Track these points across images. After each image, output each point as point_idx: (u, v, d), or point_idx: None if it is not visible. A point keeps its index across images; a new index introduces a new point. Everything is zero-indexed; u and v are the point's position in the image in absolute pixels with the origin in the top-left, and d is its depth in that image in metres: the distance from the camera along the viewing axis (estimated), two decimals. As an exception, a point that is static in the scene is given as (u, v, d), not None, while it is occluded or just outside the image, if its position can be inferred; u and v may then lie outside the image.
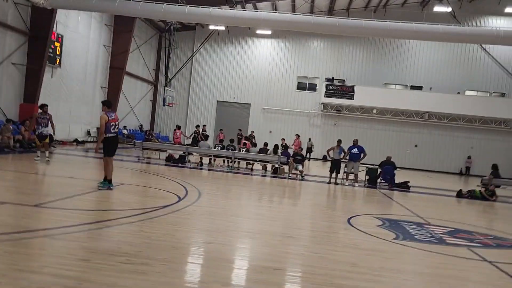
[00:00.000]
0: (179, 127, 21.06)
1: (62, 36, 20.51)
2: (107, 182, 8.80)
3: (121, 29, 25.47)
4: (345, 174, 15.53)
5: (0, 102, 17.14)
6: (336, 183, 14.97)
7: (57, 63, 20.39)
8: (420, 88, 31.08)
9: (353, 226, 7.51)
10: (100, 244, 5.02)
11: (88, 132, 24.25)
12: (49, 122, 12.84)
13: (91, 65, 23.91)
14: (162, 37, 32.04)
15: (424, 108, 30.17)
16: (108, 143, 8.79)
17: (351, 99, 30.41)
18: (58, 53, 20.30)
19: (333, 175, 15.06)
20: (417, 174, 24.84)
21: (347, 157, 15.27)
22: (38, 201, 7.04)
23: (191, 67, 32.82)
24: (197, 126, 21.52)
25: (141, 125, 30.52)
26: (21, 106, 18.30)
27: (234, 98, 32.90)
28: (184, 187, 10.26)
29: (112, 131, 8.78)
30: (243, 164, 17.62)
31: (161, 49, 32.45)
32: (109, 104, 9.20)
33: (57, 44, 20.12)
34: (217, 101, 33.19)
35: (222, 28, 29.54)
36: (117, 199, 8.16)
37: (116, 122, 8.94)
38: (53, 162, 14.16)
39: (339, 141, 15.58)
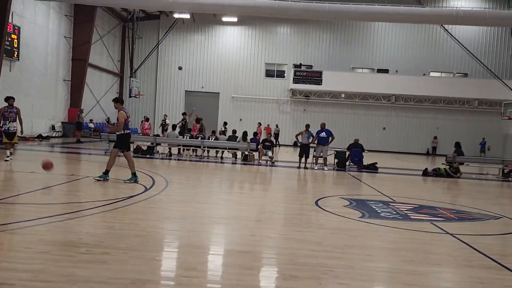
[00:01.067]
0: (147, 119, 20.69)
1: (19, 28, 19.65)
2: (133, 176, 9.04)
3: (81, 19, 24.61)
4: (314, 158, 15.68)
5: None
6: (305, 168, 15.11)
7: (15, 56, 19.56)
8: (386, 71, 31.63)
9: (320, 208, 7.59)
10: (60, 236, 4.87)
11: (53, 127, 23.49)
12: (17, 116, 11.95)
13: (52, 57, 23.07)
14: (125, 27, 31.20)
15: (391, 91, 30.79)
16: (126, 138, 9.22)
17: (319, 84, 30.66)
18: (15, 45, 19.46)
19: (303, 159, 15.19)
20: (386, 156, 25.41)
21: (316, 142, 15.42)
22: (-5, 198, 6.76)
23: (157, 57, 32.21)
24: (184, 113, 21.34)
25: (108, 118, 29.78)
26: (-22, 102, 17.48)
27: (202, 87, 32.58)
28: (151, 177, 10.10)
29: (128, 127, 9.30)
30: (212, 152, 17.51)
31: (125, 40, 31.63)
32: (122, 101, 9.57)
33: (14, 36, 19.27)
34: (186, 91, 32.77)
35: (187, 16, 29.04)
36: (81, 192, 7.96)
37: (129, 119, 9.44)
38: (15, 158, 13.66)
39: (307, 126, 15.69)
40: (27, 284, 3.43)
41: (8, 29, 18.30)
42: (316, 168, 15.31)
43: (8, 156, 11.78)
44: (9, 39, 18.82)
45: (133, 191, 8.04)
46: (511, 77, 28.98)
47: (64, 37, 24.05)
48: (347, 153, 16.28)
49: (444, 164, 16.12)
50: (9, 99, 12.01)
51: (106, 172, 9.00)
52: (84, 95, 25.60)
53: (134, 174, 9.07)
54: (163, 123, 20.35)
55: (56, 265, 3.89)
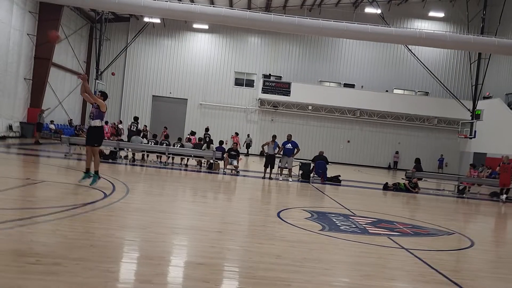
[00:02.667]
0: (106, 123, 20.20)
1: (-22, 22, 18.80)
2: (95, 174, 8.84)
3: (46, 17, 23.81)
4: (279, 169, 15.79)
5: None
6: (270, 178, 15.18)
7: (-28, 51, 18.67)
8: (352, 86, 32.47)
9: (282, 219, 7.62)
10: (9, 245, 4.63)
11: (10, 127, 22.50)
12: None
13: (13, 54, 22.17)
14: (93, 27, 30.50)
15: (356, 105, 31.58)
16: (101, 132, 8.90)
17: (287, 95, 31.05)
18: (-27, 40, 18.58)
19: (268, 170, 15.26)
20: (349, 169, 25.94)
21: (281, 152, 15.53)
22: None
23: (125, 60, 31.64)
24: (135, 117, 20.90)
25: (71, 120, 28.90)
26: None
27: (170, 93, 32.24)
28: (111, 183, 9.83)
29: (104, 121, 8.98)
30: (177, 160, 17.29)
31: (92, 40, 30.88)
32: (106, 96, 9.32)
33: (-28, 30, 18.41)
34: (153, 95, 32.33)
35: (158, 20, 28.77)
36: (36, 198, 7.63)
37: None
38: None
39: (274, 136, 15.81)
40: (-32, 297, 3.24)
41: (-34, 23, 17.48)
42: (280, 179, 15.41)
43: None
44: (-33, 33, 17.97)
45: (91, 197, 7.79)
46: (468, 98, 30.43)
47: (28, 34, 23.20)
48: (312, 165, 16.50)
49: (403, 179, 16.62)
50: None
51: (96, 173, 8.83)
52: (46, 95, 24.71)
53: (96, 173, 8.87)
54: (116, 128, 19.92)
55: (2, 276, 3.69)
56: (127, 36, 31.56)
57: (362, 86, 32.51)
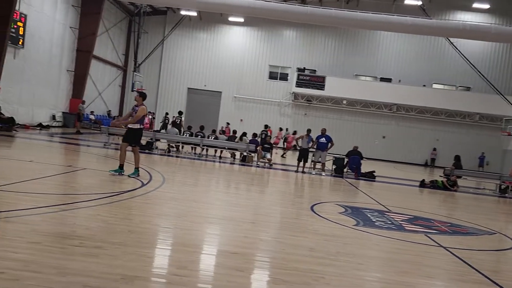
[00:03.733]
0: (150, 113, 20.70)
1: (25, 16, 19.63)
2: (119, 169, 8.93)
3: (88, 10, 24.63)
4: (312, 163, 15.69)
5: (-44, 83, 16.32)
6: (303, 172, 15.12)
7: (20, 43, 19.54)
8: (389, 80, 31.69)
9: (315, 213, 7.59)
10: (54, 227, 4.86)
11: (53, 117, 23.47)
12: None
13: (57, 47, 23.05)
14: (132, 21, 31.25)
15: (393, 100, 30.82)
16: (139, 134, 9.20)
17: (321, 89, 30.71)
18: (21, 33, 19.43)
19: (301, 163, 15.20)
20: (384, 165, 25.43)
21: (315, 146, 15.43)
22: (-9, 184, 6.75)
23: (161, 52, 32.21)
24: (179, 112, 21.24)
25: (109, 111, 29.80)
26: (-20, 87, 17.49)
27: (205, 85, 32.58)
28: (148, 173, 10.09)
29: (143, 123, 9.33)
30: (211, 151, 17.51)
31: (131, 34, 31.66)
32: (145, 96, 9.40)
33: (20, 24, 19.25)
34: (188, 88, 32.79)
35: (194, 13, 29.07)
36: (77, 184, 7.95)
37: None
38: (14, 146, 13.67)
39: (309, 130, 15.72)
40: (17, 274, 3.42)
41: (14, 16, 18.28)
42: (313, 173, 15.31)
43: None
44: (15, 26, 18.80)
45: (129, 185, 8.03)
46: (513, 93, 29.06)
47: (70, 27, 24.04)
48: (346, 159, 16.29)
49: (442, 176, 16.12)
50: None
51: (121, 167, 8.99)
52: (87, 87, 25.57)
53: (137, 169, 9.09)
54: (165, 121, 20.38)
55: (47, 256, 3.88)
56: (164, 29, 32.10)
57: (399, 81, 31.66)
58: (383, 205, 9.43)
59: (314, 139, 15.41)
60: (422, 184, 15.15)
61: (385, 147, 31.87)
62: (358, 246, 5.71)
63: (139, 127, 9.08)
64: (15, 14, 18.34)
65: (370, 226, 6.94)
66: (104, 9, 25.60)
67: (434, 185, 15.07)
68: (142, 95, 9.25)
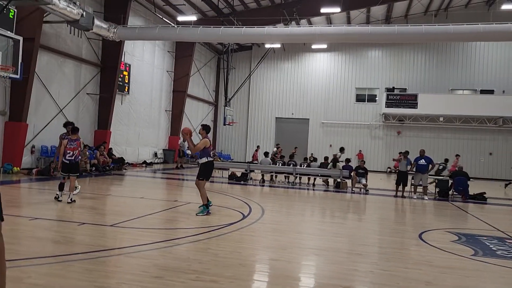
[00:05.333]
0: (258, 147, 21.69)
1: (129, 65, 21.90)
2: (205, 207, 8.77)
3: (182, 54, 26.72)
4: (412, 186, 14.85)
5: (77, 130, 18.56)
6: (403, 196, 14.36)
7: (126, 90, 21.75)
8: (491, 92, 29.12)
9: (425, 242, 7.13)
10: (171, 262, 5.20)
11: (155, 154, 25.43)
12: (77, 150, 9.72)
13: (156, 90, 25.23)
14: (220, 59, 33.13)
15: (497, 113, 28.14)
16: (210, 167, 9.02)
17: (414, 108, 29.23)
18: (126, 81, 21.68)
19: (400, 187, 14.49)
20: (494, 184, 23.11)
21: (414, 169, 14.63)
22: (113, 221, 7.48)
23: (249, 85, 33.45)
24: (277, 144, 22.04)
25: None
26: (96, 132, 19.69)
27: (292, 114, 32.95)
28: (247, 204, 10.38)
29: (211, 155, 9.15)
30: (304, 179, 17.48)
31: (220, 70, 33.53)
32: (209, 129, 9.38)
33: (125, 73, 21.51)
34: (276, 117, 33.42)
35: (278, 45, 29.91)
36: (184, 218, 8.43)
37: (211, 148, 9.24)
38: (125, 183, 15.01)
39: (406, 152, 15.01)
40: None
41: (121, 67, 20.50)
42: (415, 197, 14.45)
43: (57, 195, 9.51)
44: (121, 75, 21.04)
45: (232, 218, 8.33)
46: None
47: (167, 71, 26.23)
48: (450, 181, 15.15)
49: None
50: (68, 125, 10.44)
51: (205, 205, 8.92)
52: (183, 124, 27.41)
53: (205, 206, 8.77)
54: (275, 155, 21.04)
55: (171, 290, 4.16)
56: (250, 63, 33.44)
57: (503, 91, 28.94)
58: (502, 231, 8.54)
59: (412, 162, 14.63)
60: (545, 205, 13.45)
61: (492, 164, 29.02)
62: (481, 279, 5.22)
63: (207, 160, 8.96)
64: (121, 65, 20.56)
65: (491, 256, 6.31)
66: (195, 51, 27.57)
67: (560, 205, 13.29)
68: (206, 128, 9.26)
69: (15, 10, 13.04)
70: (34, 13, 14.37)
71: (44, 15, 14.97)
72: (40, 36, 15.06)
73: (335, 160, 17.29)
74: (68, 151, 9.44)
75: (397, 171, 14.83)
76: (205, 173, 8.93)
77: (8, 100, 14.83)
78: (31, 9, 14.21)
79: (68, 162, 9.47)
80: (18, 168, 14.69)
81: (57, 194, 9.45)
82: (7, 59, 11.39)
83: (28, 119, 15.09)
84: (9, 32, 11.68)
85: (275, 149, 22.68)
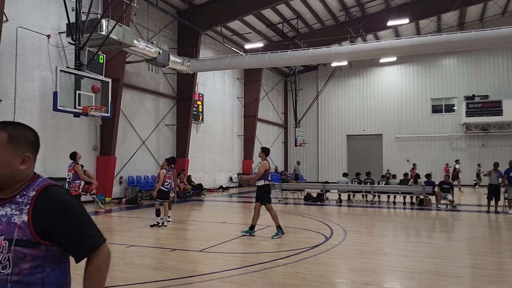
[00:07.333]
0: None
1: (202, 95, 22.98)
2: (278, 229, 8.82)
3: (250, 80, 27.53)
4: (506, 200, 13.69)
5: (159, 159, 19.69)
6: (497, 212, 13.28)
7: (200, 119, 22.78)
8: None
9: (531, 262, 6.53)
10: (260, 286, 5.29)
11: (230, 178, 26.10)
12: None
13: (228, 116, 26.10)
14: (287, 81, 33.57)
15: None
16: (267, 190, 9.01)
17: (499, 115, 27.18)
18: (200, 110, 22.73)
19: (492, 202, 13.43)
20: None
21: (506, 182, 13.50)
22: (202, 247, 7.78)
23: (317, 105, 33.36)
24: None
25: (276, 167, 31.69)
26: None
27: (364, 130, 32.18)
28: (328, 225, 10.24)
29: (269, 178, 9.24)
30: (383, 197, 16.87)
31: (287, 93, 33.92)
32: (268, 151, 9.45)
33: (199, 102, 22.59)
34: (347, 135, 32.84)
35: (345, 63, 29.65)
36: (267, 241, 8.53)
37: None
38: (205, 209, 15.56)
39: (496, 164, 13.97)
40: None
41: (194, 97, 21.58)
42: (510, 212, 13.29)
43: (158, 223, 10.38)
44: (196, 105, 22.12)
45: (315, 240, 8.27)
46: None
47: (237, 97, 27.11)
48: (550, 193, 13.72)
49: None
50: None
51: (252, 227, 8.99)
52: (255, 148, 27.95)
53: (279, 227, 8.79)
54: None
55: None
56: (317, 83, 33.44)
57: None
58: None
59: (503, 174, 13.54)
60: None
61: None
62: None
63: (264, 183, 8.90)
64: (195, 95, 21.64)
65: None
66: (263, 76, 28.25)
67: None
68: (265, 151, 9.27)
69: (104, 55, 14.41)
70: (118, 55, 15.73)
71: (126, 56, 16.33)
72: (124, 75, 16.42)
73: (417, 176, 16.50)
74: (166, 180, 10.42)
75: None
76: (261, 196, 8.93)
77: (98, 136, 16.23)
78: (115, 53, 15.57)
79: (166, 190, 10.43)
80: (110, 198, 15.88)
81: (157, 222, 10.24)
82: (100, 100, 12.56)
83: (116, 152, 16.36)
84: (100, 76, 12.88)
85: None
